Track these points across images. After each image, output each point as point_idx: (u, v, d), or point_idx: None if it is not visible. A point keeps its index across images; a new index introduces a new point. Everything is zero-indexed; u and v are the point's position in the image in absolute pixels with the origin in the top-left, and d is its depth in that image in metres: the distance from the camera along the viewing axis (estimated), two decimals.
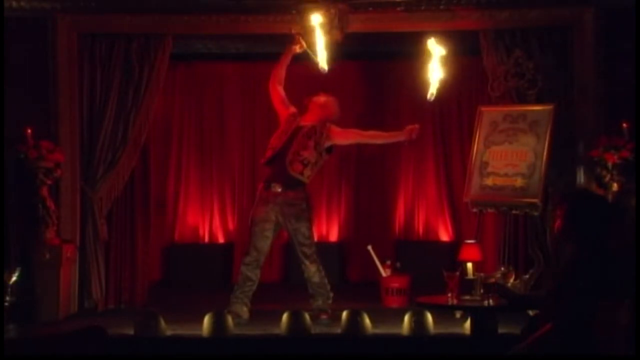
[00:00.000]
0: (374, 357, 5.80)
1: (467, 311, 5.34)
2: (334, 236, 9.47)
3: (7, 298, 5.69)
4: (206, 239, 9.40)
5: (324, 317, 6.31)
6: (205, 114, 9.48)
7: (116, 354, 5.22)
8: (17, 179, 6.82)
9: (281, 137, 6.45)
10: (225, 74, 9.50)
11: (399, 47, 8.23)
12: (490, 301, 4.77)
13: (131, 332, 5.92)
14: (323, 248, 7.16)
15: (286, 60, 6.58)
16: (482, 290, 4.92)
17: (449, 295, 4.93)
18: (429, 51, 6.19)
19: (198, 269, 8.84)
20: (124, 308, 7.29)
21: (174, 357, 5.77)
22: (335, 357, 5.79)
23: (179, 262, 8.96)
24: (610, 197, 6.40)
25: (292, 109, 6.58)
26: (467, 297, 4.99)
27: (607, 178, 6.62)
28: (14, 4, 6.90)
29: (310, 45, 6.36)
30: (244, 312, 6.32)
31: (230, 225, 9.45)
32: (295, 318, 5.90)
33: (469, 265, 5.40)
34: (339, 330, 5.96)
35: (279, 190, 6.35)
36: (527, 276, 6.74)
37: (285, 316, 5.93)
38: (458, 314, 6.23)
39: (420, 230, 9.41)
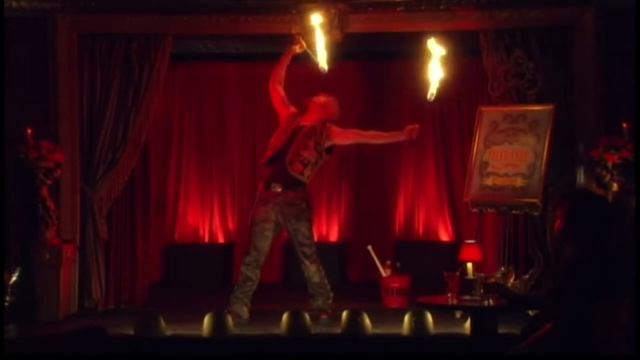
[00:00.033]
0: (374, 357, 5.80)
1: (467, 311, 5.34)
2: (334, 236, 9.47)
3: (7, 298, 5.69)
4: (206, 239, 9.40)
5: (324, 317, 6.31)
6: (205, 114, 9.48)
7: (116, 354, 5.22)
8: (17, 179, 6.82)
9: (281, 137, 6.45)
10: (225, 74, 9.50)
11: (399, 47, 8.23)
12: (490, 301, 4.77)
13: (131, 332, 5.92)
14: (323, 248, 7.16)
15: (286, 61, 6.58)
16: (482, 290, 4.92)
17: (449, 295, 4.93)
18: (429, 51, 6.19)
19: (198, 269, 8.84)
20: (124, 308, 7.29)
21: (174, 357, 5.77)
22: (335, 357, 5.79)
23: (179, 262, 8.96)
24: (610, 197, 6.40)
25: (292, 109, 6.58)
26: (467, 297, 4.98)
27: (607, 178, 6.62)
28: (14, 4, 6.90)
29: (310, 45, 6.36)
30: (244, 312, 6.32)
31: (230, 225, 9.45)
32: (295, 318, 5.90)
33: (469, 265, 5.40)
34: (339, 330, 5.96)
35: (279, 190, 6.35)
36: (527, 276, 6.74)
37: (285, 316, 5.93)
38: (458, 314, 6.23)
39: (420, 230, 9.41)
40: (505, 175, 6.63)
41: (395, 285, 7.29)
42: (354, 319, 5.90)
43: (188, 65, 9.17)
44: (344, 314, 5.98)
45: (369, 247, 7.57)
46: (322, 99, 6.58)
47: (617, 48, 6.91)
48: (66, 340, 3.66)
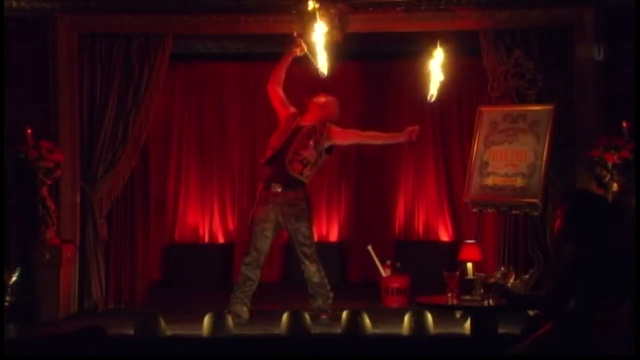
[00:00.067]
0: (374, 357, 5.80)
1: (467, 311, 5.34)
2: (334, 236, 9.47)
3: (7, 298, 5.69)
4: (206, 239, 9.40)
5: (324, 317, 6.31)
6: (205, 114, 9.48)
7: (116, 354, 5.22)
8: (17, 179, 6.82)
9: (281, 137, 6.45)
10: (225, 74, 9.50)
11: (399, 47, 8.24)
12: (490, 301, 4.77)
13: (131, 332, 5.92)
14: (323, 248, 7.16)
15: (286, 62, 6.57)
16: (482, 290, 4.92)
17: (449, 295, 4.93)
18: (430, 52, 6.18)
19: (198, 269, 8.84)
20: (124, 308, 7.29)
21: (174, 357, 5.77)
22: (335, 357, 5.79)
23: (179, 262, 8.97)
24: (610, 197, 6.41)
25: (292, 109, 6.58)
26: (467, 297, 4.98)
27: (607, 178, 6.62)
28: (14, 4, 6.90)
29: (311, 47, 6.36)
30: (244, 312, 6.32)
31: (230, 225, 9.45)
32: (295, 318, 5.90)
33: (469, 265, 5.40)
34: (339, 330, 5.96)
35: (279, 190, 6.35)
36: (527, 276, 6.74)
37: (285, 316, 5.93)
38: (458, 314, 6.23)
39: (420, 230, 9.41)
40: (505, 175, 6.63)
41: (395, 285, 7.29)
42: (354, 319, 5.90)
43: (188, 65, 9.17)
44: (344, 314, 5.98)
45: (369, 247, 7.57)
46: (322, 99, 6.59)
47: (617, 48, 6.91)
48: (66, 340, 3.66)
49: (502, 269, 6.49)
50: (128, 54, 7.22)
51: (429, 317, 5.85)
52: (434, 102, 6.38)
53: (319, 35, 6.21)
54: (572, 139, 6.95)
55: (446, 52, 6.18)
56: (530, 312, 4.85)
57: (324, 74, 6.29)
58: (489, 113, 6.90)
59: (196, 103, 9.47)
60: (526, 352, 3.83)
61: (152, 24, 7.20)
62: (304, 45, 6.41)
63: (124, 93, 7.21)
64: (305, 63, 6.51)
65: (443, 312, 6.00)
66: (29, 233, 6.80)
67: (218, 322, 5.86)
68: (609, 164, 6.59)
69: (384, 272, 7.40)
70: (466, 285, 5.08)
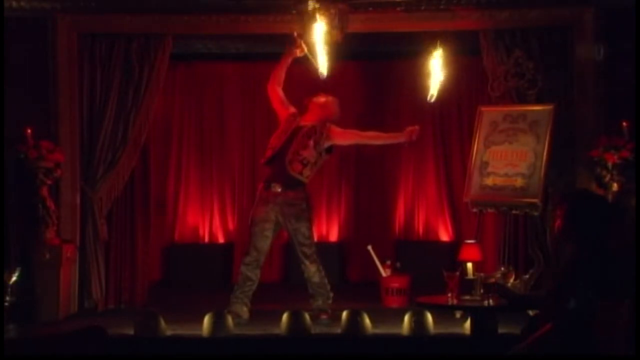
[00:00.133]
0: (374, 357, 5.80)
1: (467, 311, 5.34)
2: (334, 236, 9.47)
3: (7, 298, 5.69)
4: (206, 239, 9.40)
5: (324, 317, 6.31)
6: (205, 114, 9.48)
7: (116, 354, 5.22)
8: (17, 179, 6.82)
9: (281, 137, 6.45)
10: (225, 74, 9.50)
11: (399, 47, 8.24)
12: (490, 301, 4.77)
13: (131, 332, 5.92)
14: (323, 248, 7.17)
15: (286, 63, 6.58)
16: (482, 290, 4.92)
17: (449, 295, 4.93)
18: (430, 53, 6.18)
19: (198, 269, 8.84)
20: (124, 308, 7.29)
21: (174, 357, 5.77)
22: (335, 357, 5.79)
23: (179, 262, 8.97)
24: (610, 197, 6.41)
25: (292, 109, 6.58)
26: (467, 297, 4.98)
27: (607, 178, 6.62)
28: (14, 4, 6.90)
29: (310, 47, 6.36)
30: (244, 312, 6.32)
31: (230, 225, 9.45)
32: (295, 318, 5.90)
33: (469, 265, 5.41)
34: (339, 330, 5.96)
35: (279, 190, 6.35)
36: (527, 276, 6.74)
37: (285, 316, 5.93)
38: (458, 314, 6.23)
39: (420, 230, 9.41)
40: (505, 175, 6.62)
41: (395, 285, 7.29)
42: (354, 319, 5.90)
43: (188, 65, 9.17)
44: (344, 314, 5.98)
45: (369, 247, 7.57)
46: (322, 99, 6.59)
47: (617, 48, 6.91)
48: (66, 340, 3.66)
49: (502, 269, 6.49)
50: (128, 54, 7.22)
51: (429, 317, 5.85)
52: (434, 102, 6.38)
53: (319, 36, 6.21)
54: (572, 139, 6.95)
55: (446, 52, 6.17)
56: (530, 312, 4.85)
57: (323, 75, 6.29)
58: (489, 113, 6.90)
59: (196, 103, 9.46)
60: (526, 352, 3.83)
61: (152, 24, 7.20)
62: (304, 45, 6.41)
63: (124, 93, 7.21)
64: (305, 63, 6.52)
65: (443, 312, 6.00)
66: (29, 233, 6.80)
67: (218, 322, 5.86)
68: (609, 164, 6.59)
69: (384, 272, 7.40)
70: (466, 285, 5.08)
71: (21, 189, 6.82)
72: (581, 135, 6.95)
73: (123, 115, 7.20)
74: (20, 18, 7.00)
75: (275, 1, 6.99)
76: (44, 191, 6.84)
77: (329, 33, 6.50)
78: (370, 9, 7.05)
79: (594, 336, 3.64)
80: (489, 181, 6.68)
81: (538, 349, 3.79)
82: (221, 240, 9.39)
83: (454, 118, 9.31)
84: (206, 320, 5.88)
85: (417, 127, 6.39)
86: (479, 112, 6.93)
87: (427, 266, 7.29)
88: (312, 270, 6.37)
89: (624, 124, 6.63)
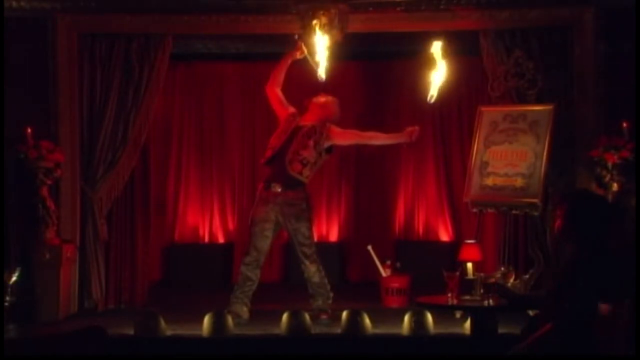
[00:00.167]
0: (374, 357, 5.80)
1: (467, 311, 5.33)
2: (334, 236, 9.47)
3: (7, 298, 5.68)
4: (206, 239, 9.40)
5: (324, 317, 6.31)
6: (205, 114, 9.48)
7: (116, 354, 5.22)
8: (17, 179, 6.82)
9: (281, 137, 6.45)
10: (225, 74, 9.50)
11: (399, 47, 8.24)
12: (490, 301, 4.77)
13: (131, 332, 5.92)
14: (323, 248, 7.16)
15: (286, 64, 6.57)
16: (482, 290, 4.92)
17: (449, 295, 4.93)
18: (430, 53, 6.18)
19: (198, 269, 8.84)
20: (124, 308, 7.29)
21: (174, 357, 5.77)
22: (335, 357, 5.79)
23: (179, 262, 8.97)
24: (610, 197, 6.40)
25: (291, 109, 6.58)
26: (467, 297, 4.98)
27: (607, 178, 6.62)
28: (14, 4, 6.90)
29: (310, 48, 6.36)
30: (244, 312, 6.32)
31: (230, 225, 9.45)
32: (295, 318, 5.90)
33: (469, 265, 5.40)
34: (339, 330, 5.96)
35: (279, 190, 6.35)
36: (527, 276, 6.74)
37: (285, 316, 5.93)
38: (458, 314, 6.23)
39: (420, 230, 9.41)
40: (505, 175, 6.62)
41: (395, 285, 7.29)
42: (354, 319, 5.90)
43: (188, 65, 9.17)
44: (344, 314, 5.98)
45: (369, 247, 7.57)
46: (322, 99, 6.59)
47: (617, 48, 6.91)
48: (66, 340, 3.66)
49: (502, 269, 6.49)
50: (128, 54, 7.22)
51: (429, 317, 5.85)
52: (434, 102, 6.38)
53: (319, 40, 6.22)
54: (572, 139, 6.95)
55: (446, 52, 6.17)
56: (530, 312, 4.85)
57: (322, 78, 6.31)
58: (489, 113, 6.90)
59: (196, 103, 9.47)
60: (526, 352, 3.83)
61: (152, 24, 7.20)
62: (304, 48, 6.42)
63: (124, 93, 7.21)
64: (305, 63, 6.52)
65: (443, 312, 6.00)
66: (29, 233, 6.80)
67: (218, 322, 5.86)
68: (609, 164, 6.59)
69: (384, 272, 7.40)
70: (466, 285, 5.08)
71: (21, 189, 6.82)
72: (581, 135, 6.95)
73: (123, 115, 7.20)
74: (20, 18, 7.00)
75: (275, 1, 7.00)
76: (44, 191, 6.84)
77: (329, 33, 6.50)
78: (370, 9, 7.05)
79: (594, 336, 3.64)
80: (489, 181, 6.68)
81: (538, 349, 3.79)
82: (221, 240, 9.39)
83: (454, 118, 9.31)
84: (206, 320, 5.88)
85: (417, 127, 6.40)
86: (479, 112, 6.93)
87: (427, 266, 7.29)
88: (312, 270, 6.37)
89: (624, 124, 6.63)
